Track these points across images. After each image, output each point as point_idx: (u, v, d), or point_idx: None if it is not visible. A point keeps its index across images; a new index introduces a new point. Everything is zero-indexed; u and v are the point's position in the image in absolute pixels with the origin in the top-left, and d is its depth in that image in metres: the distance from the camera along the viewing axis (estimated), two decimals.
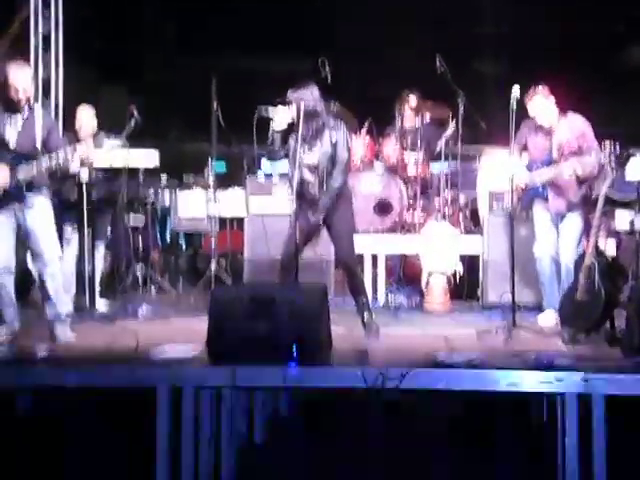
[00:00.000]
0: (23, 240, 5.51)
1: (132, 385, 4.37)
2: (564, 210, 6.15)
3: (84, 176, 6.50)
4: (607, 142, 5.69)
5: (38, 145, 5.37)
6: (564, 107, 6.14)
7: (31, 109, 5.42)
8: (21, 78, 5.31)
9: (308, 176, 5.66)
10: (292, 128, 5.61)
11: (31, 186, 5.35)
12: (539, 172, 6.16)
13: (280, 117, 5.57)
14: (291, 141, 5.64)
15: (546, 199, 6.21)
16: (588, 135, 6.06)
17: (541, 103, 6.06)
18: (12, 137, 5.33)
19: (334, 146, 5.62)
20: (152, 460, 4.32)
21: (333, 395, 4.50)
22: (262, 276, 6.97)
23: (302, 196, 5.66)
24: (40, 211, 5.42)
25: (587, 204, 6.05)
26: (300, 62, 8.24)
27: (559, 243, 6.19)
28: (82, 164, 5.89)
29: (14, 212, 5.36)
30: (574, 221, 6.13)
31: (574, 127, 6.10)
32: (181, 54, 10.59)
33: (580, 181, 6.07)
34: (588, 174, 5.99)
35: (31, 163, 5.30)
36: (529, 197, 6.28)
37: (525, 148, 6.32)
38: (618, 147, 5.68)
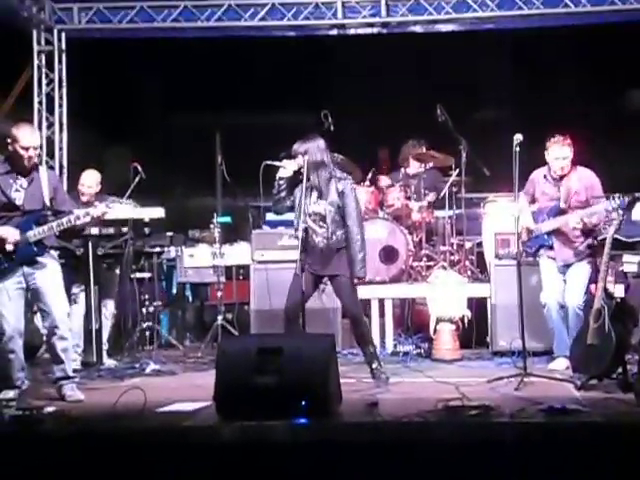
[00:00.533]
0: (30, 301, 5.51)
1: (138, 443, 4.31)
2: (570, 259, 6.18)
3: (94, 231, 6.55)
4: (616, 195, 5.75)
5: (47, 202, 5.39)
6: (574, 160, 6.20)
7: (37, 169, 5.45)
8: (31, 141, 5.34)
9: (313, 225, 5.68)
10: (298, 179, 5.66)
11: (41, 247, 5.36)
12: (545, 224, 6.20)
13: (286, 166, 5.63)
14: (297, 192, 5.68)
15: (552, 248, 6.23)
16: (596, 188, 6.15)
17: (567, 152, 6.12)
18: (19, 197, 5.34)
19: (341, 196, 5.67)
20: None
21: None
22: (269, 326, 6.94)
23: (307, 245, 5.68)
24: (50, 271, 5.41)
25: (593, 252, 6.06)
26: (303, 116, 8.31)
27: (566, 289, 6.18)
28: (91, 223, 5.89)
29: (23, 274, 5.35)
30: (580, 269, 6.15)
31: (583, 178, 6.18)
32: (183, 112, 10.70)
33: (585, 232, 6.09)
34: (595, 225, 6.04)
35: (41, 226, 5.32)
36: (535, 245, 6.30)
37: (533, 199, 6.36)
38: (626, 200, 5.73)
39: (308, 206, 5.68)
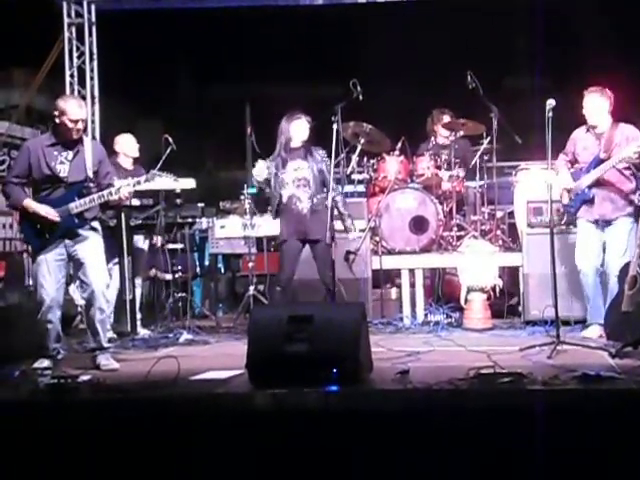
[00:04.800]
0: (72, 272, 5.55)
1: (171, 410, 4.36)
2: (610, 214, 6.03)
3: (136, 202, 6.64)
4: None
5: (89, 174, 5.39)
6: (616, 118, 6.09)
7: (82, 142, 5.45)
8: (79, 114, 5.35)
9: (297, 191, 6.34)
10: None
11: (82, 219, 5.39)
12: (586, 177, 6.05)
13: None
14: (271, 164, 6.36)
15: (592, 202, 6.08)
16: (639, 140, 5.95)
17: (598, 100, 6.02)
18: (64, 170, 5.36)
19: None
20: None
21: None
22: (300, 296, 6.97)
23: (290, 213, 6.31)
24: (91, 243, 5.45)
25: (635, 211, 5.90)
26: (332, 86, 8.25)
27: (606, 252, 6.05)
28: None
29: (64, 245, 5.39)
30: (621, 229, 5.98)
31: (626, 132, 6.03)
32: (213, 84, 10.70)
33: (629, 178, 5.95)
34: None
35: (83, 198, 5.34)
36: (578, 203, 6.15)
37: (573, 159, 6.24)
38: None
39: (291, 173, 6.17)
